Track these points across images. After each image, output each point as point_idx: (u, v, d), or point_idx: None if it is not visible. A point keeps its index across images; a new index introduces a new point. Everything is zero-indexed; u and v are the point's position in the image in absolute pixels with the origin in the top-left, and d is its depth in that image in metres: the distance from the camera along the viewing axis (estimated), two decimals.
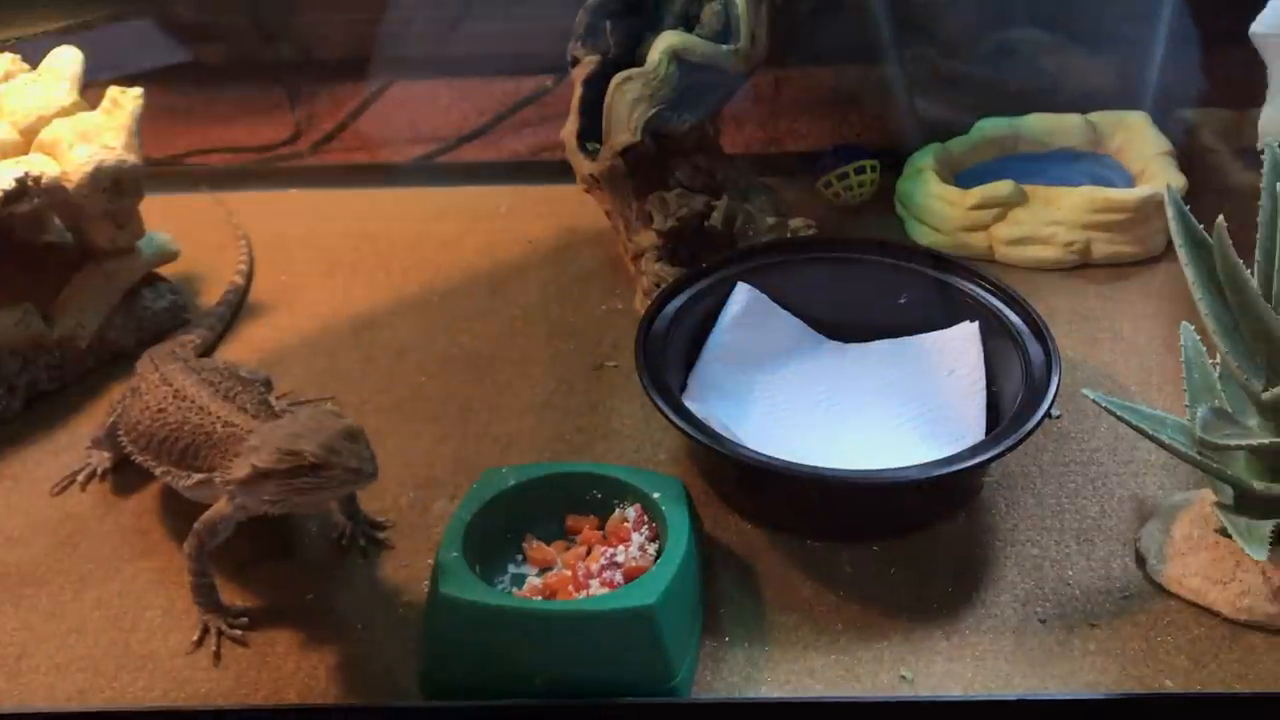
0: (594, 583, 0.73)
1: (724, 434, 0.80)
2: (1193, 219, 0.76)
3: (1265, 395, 0.71)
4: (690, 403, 0.84)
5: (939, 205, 1.13)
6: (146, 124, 1.00)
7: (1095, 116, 1.21)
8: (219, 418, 0.77)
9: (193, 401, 0.79)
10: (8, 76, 1.03)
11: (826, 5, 1.22)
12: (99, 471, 0.89)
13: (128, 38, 1.41)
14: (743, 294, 0.94)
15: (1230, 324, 0.73)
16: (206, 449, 0.77)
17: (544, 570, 0.77)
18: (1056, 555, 0.80)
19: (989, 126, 1.22)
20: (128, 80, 1.02)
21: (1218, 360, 0.78)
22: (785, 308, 0.96)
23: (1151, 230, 1.10)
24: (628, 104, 1.01)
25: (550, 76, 1.40)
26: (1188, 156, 1.17)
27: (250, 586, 0.80)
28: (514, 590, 0.75)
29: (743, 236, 1.01)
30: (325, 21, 1.43)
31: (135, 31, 1.42)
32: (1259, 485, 0.73)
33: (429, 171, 1.34)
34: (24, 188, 0.92)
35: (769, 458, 0.78)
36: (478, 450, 0.91)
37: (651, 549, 0.76)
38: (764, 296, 0.94)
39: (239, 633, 0.76)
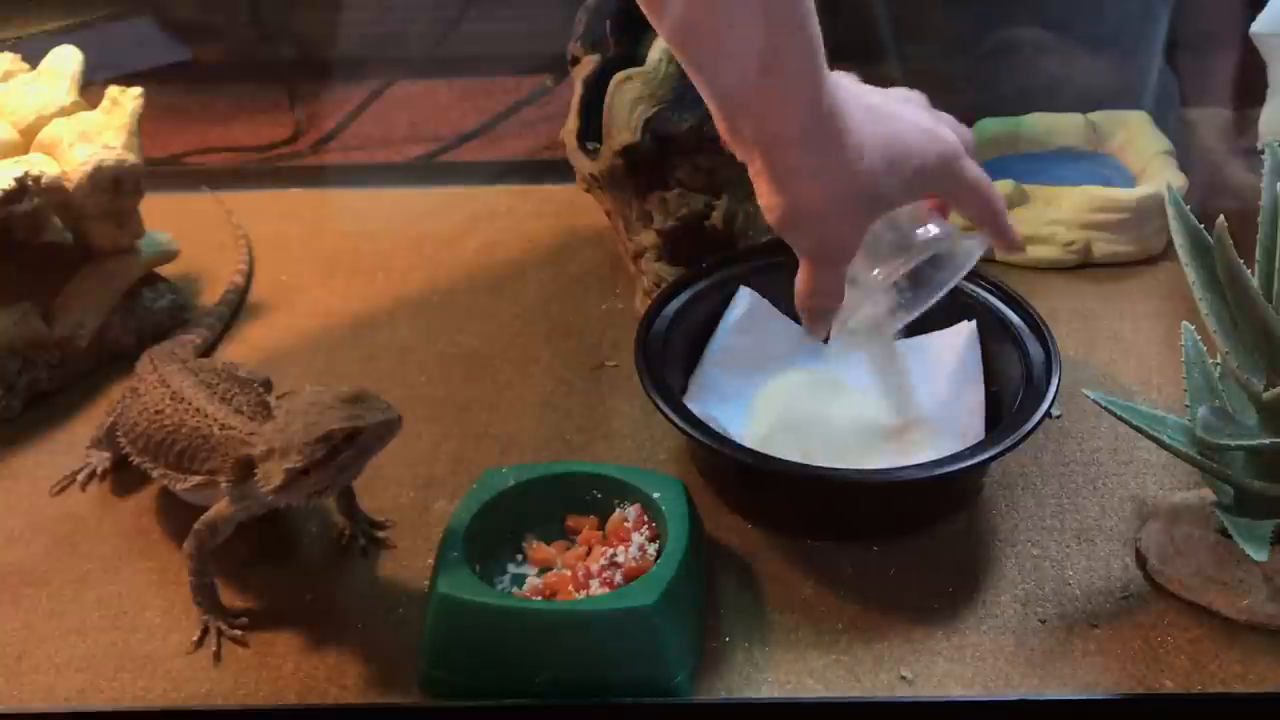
0: (594, 583, 0.73)
1: (724, 434, 0.80)
2: (1193, 219, 0.76)
3: (1265, 395, 0.71)
4: (690, 404, 0.83)
5: None
6: (146, 123, 1.00)
7: (1096, 116, 1.21)
8: (216, 420, 0.77)
9: (190, 404, 0.79)
10: (7, 76, 1.03)
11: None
12: (98, 471, 0.89)
13: (127, 37, 1.42)
14: (745, 299, 0.94)
15: (1230, 324, 0.73)
16: (204, 452, 0.77)
17: (544, 570, 0.77)
18: (1056, 555, 0.80)
19: (989, 126, 1.21)
20: (127, 80, 1.02)
21: (1218, 360, 0.78)
22: (786, 308, 0.95)
23: (1151, 230, 1.09)
24: (628, 104, 1.00)
25: (550, 76, 1.40)
26: (1188, 156, 1.17)
27: (250, 587, 0.79)
28: (514, 590, 0.75)
29: (743, 236, 1.01)
30: (325, 21, 1.43)
31: (135, 31, 1.42)
32: (1259, 485, 0.73)
33: (429, 171, 1.34)
34: (24, 187, 0.92)
35: (769, 458, 0.78)
36: (478, 450, 0.91)
37: (651, 549, 0.75)
38: (766, 302, 0.94)
39: (239, 633, 0.76)
